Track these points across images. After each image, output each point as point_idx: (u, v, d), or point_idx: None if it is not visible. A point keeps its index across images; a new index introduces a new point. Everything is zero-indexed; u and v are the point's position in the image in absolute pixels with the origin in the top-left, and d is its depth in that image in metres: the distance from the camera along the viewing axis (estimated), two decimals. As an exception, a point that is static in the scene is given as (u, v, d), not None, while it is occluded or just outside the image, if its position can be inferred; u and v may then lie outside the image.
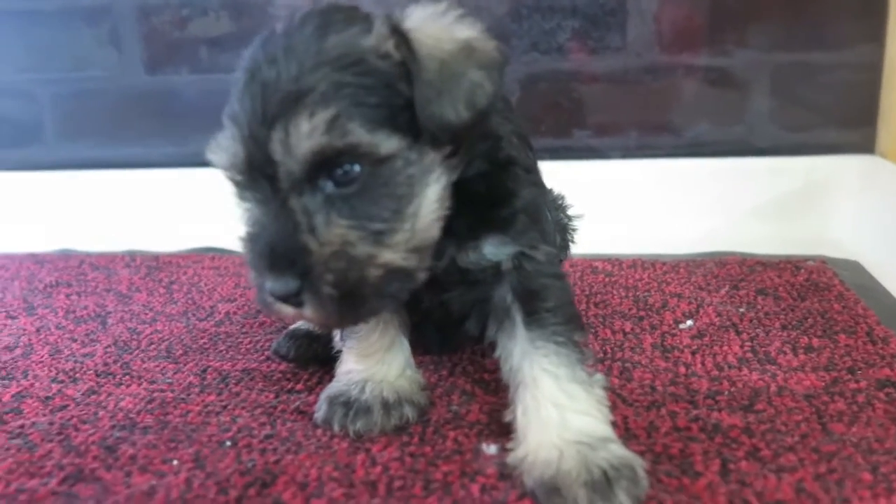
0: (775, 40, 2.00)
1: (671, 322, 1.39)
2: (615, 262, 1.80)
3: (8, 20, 2.32)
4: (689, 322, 1.38)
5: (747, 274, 1.64)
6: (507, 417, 0.97)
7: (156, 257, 1.99)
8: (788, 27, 1.99)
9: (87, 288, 1.78)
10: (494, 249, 0.98)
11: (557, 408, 0.92)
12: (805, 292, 1.51)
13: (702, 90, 2.06)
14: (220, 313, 1.57)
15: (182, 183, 2.27)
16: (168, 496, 0.92)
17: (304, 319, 0.89)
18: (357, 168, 0.84)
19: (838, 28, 1.97)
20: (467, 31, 0.88)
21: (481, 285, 1.01)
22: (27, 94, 2.36)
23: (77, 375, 1.28)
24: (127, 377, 1.27)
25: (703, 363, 1.21)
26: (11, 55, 2.33)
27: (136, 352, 1.38)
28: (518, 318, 0.98)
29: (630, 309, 1.47)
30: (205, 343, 1.40)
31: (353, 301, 0.85)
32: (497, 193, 0.97)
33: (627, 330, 1.37)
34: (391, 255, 0.86)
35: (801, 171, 1.99)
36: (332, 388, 1.10)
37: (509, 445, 0.95)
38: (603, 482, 0.85)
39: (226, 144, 0.88)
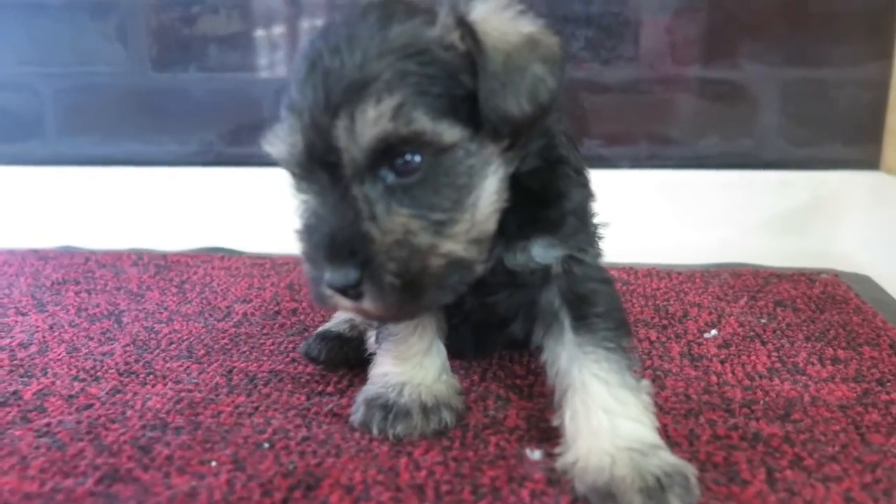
0: (786, 56, 2.03)
1: (695, 331, 1.40)
2: (630, 270, 1.80)
3: (12, 12, 2.28)
4: (714, 331, 1.39)
5: (763, 285, 1.66)
6: (555, 422, 0.97)
7: (164, 256, 1.97)
8: (799, 43, 2.02)
9: (96, 286, 1.75)
10: (543, 251, 0.98)
11: (608, 413, 0.92)
12: (823, 304, 1.52)
13: (712, 103, 2.09)
14: (237, 314, 1.54)
15: (186, 182, 2.25)
16: (211, 497, 0.90)
17: (360, 313, 0.88)
18: (418, 158, 0.84)
19: (847, 46, 2.01)
20: (530, 26, 0.89)
21: (528, 288, 1.00)
22: (29, 88, 2.33)
23: (98, 374, 1.26)
24: (151, 377, 1.25)
25: (733, 372, 1.22)
26: (14, 48, 2.30)
27: (157, 351, 1.35)
28: (566, 322, 0.98)
29: (652, 318, 1.48)
30: (226, 344, 1.38)
31: (415, 291, 0.84)
32: (548, 193, 0.97)
33: (653, 338, 1.37)
34: (452, 245, 0.85)
35: (810, 184, 2.01)
36: (369, 390, 1.08)
37: (556, 451, 0.95)
38: (657, 489, 0.85)
39: (283, 135, 0.87)
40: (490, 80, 0.84)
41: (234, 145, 2.30)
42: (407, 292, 0.83)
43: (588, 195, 1.04)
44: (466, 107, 0.85)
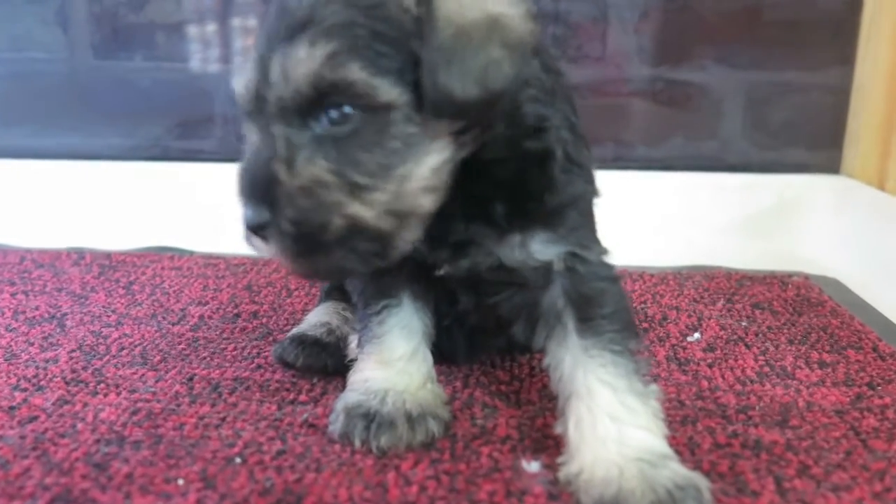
0: (750, 60, 2.03)
1: (678, 334, 1.36)
2: (602, 273, 1.76)
3: (-63, -9, 2.11)
4: (697, 335, 1.35)
5: (737, 288, 1.64)
6: (557, 429, 0.91)
7: (107, 255, 1.83)
8: (763, 48, 2.01)
9: (34, 287, 1.61)
10: (542, 247, 0.91)
11: (615, 421, 0.86)
12: (799, 307, 1.51)
13: (677, 104, 2.06)
14: (193, 317, 1.44)
15: (131, 178, 2.11)
16: (180, 520, 0.81)
17: (271, 256, 0.84)
18: (352, 111, 0.80)
19: (810, 51, 2.01)
20: (504, 6, 0.81)
21: (530, 288, 0.94)
22: (-45, 74, 2.15)
23: (42, 383, 1.14)
24: (102, 385, 1.13)
25: (723, 377, 1.18)
26: (-60, 30, 2.12)
27: (107, 357, 1.24)
28: (570, 324, 0.91)
29: (632, 320, 1.43)
30: (184, 349, 1.28)
31: (311, 245, 0.81)
32: (537, 183, 0.91)
33: (636, 342, 1.32)
34: (363, 211, 0.81)
35: (774, 188, 2.01)
36: (349, 398, 1.00)
37: (558, 461, 0.89)
38: (669, 502, 0.79)
39: (240, 69, 0.85)
40: (434, 52, 0.78)
41: (183, 139, 2.17)
42: (302, 244, 0.81)
43: (589, 190, 0.98)
44: (416, 74, 0.79)
